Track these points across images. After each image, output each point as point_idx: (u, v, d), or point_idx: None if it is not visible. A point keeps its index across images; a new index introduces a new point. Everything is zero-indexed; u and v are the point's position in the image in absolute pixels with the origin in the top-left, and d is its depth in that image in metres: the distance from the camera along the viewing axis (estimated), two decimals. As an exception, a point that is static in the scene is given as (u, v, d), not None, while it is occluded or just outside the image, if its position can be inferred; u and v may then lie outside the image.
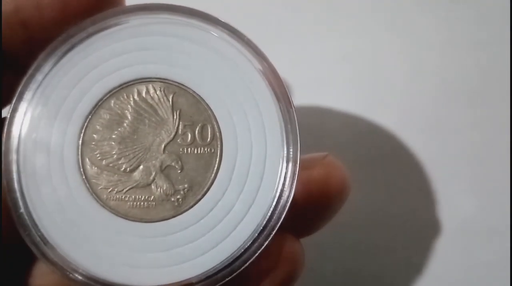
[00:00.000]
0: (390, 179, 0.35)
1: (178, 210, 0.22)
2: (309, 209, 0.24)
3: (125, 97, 0.23)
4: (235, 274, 0.22)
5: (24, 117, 0.22)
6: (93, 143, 0.23)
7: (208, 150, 0.23)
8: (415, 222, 0.34)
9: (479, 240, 0.34)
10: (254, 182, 0.22)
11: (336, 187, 0.24)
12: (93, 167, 0.23)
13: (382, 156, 0.35)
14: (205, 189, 0.22)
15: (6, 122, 0.22)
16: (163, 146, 0.23)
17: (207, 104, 0.23)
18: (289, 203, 0.22)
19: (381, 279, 0.34)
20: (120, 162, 0.23)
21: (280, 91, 0.23)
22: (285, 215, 0.22)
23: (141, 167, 0.23)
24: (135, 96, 0.23)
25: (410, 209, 0.35)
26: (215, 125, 0.23)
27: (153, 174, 0.23)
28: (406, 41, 0.36)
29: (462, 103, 0.35)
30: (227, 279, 0.22)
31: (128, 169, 0.23)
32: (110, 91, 0.23)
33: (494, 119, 0.35)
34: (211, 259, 0.22)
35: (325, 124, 0.35)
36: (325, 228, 0.26)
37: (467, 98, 0.35)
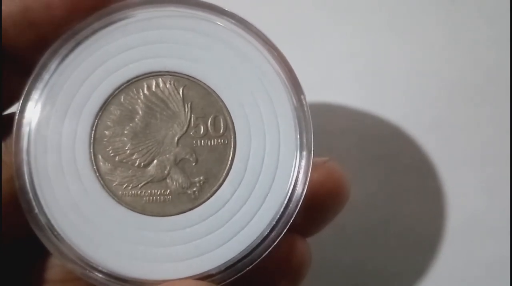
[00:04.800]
0: (394, 178, 0.35)
1: (195, 203, 0.22)
2: (309, 211, 0.24)
3: (135, 92, 0.23)
4: (255, 263, 0.22)
5: (32, 117, 0.22)
6: (105, 140, 0.22)
7: (222, 141, 0.23)
8: (417, 221, 0.35)
9: (482, 240, 0.34)
10: (269, 171, 0.22)
11: (334, 190, 0.25)
12: (107, 164, 0.22)
13: (386, 155, 0.35)
14: (220, 180, 0.22)
15: (15, 123, 0.22)
16: (176, 139, 0.23)
17: (218, 96, 0.23)
18: (305, 191, 0.22)
19: (382, 278, 0.34)
20: (133, 157, 0.23)
21: (291, 78, 0.23)
22: (302, 203, 0.22)
23: (155, 161, 0.23)
24: (145, 91, 0.23)
25: (414, 208, 0.35)
26: (227, 117, 0.23)
27: (168, 167, 0.23)
28: (410, 41, 0.36)
29: (466, 103, 0.35)
30: (247, 269, 0.22)
31: (142, 164, 0.23)
32: (119, 87, 0.23)
33: (498, 119, 0.35)
34: (230, 249, 0.22)
35: (330, 123, 0.35)
36: (329, 227, 0.27)
37: (471, 97, 0.35)
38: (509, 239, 0.34)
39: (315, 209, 0.25)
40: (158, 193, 0.22)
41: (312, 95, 0.33)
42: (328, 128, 0.35)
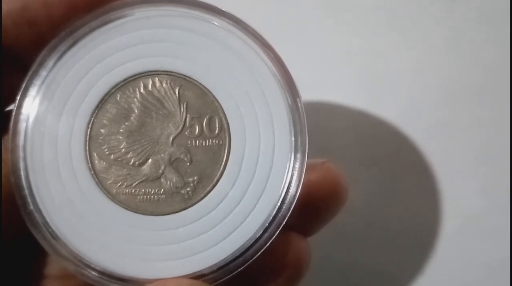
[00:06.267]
0: (393, 178, 0.35)
1: (189, 202, 0.22)
2: (308, 211, 0.24)
3: (131, 91, 0.23)
4: (247, 264, 0.22)
5: (29, 113, 0.22)
6: (101, 138, 0.23)
7: (217, 141, 0.23)
8: (417, 221, 0.35)
9: (482, 240, 0.34)
10: (263, 172, 0.22)
11: (333, 191, 0.25)
12: (102, 162, 0.23)
13: (386, 155, 0.35)
14: (214, 181, 0.22)
15: (12, 119, 0.22)
16: (171, 138, 0.23)
17: (214, 96, 0.23)
18: (298, 193, 0.22)
19: (382, 278, 0.34)
20: (128, 156, 0.23)
21: (287, 81, 0.23)
22: (295, 206, 0.22)
23: (150, 160, 0.23)
24: (141, 90, 0.23)
25: (413, 208, 0.35)
26: (223, 117, 0.23)
27: (162, 167, 0.23)
28: (409, 41, 0.36)
29: (466, 103, 0.35)
30: (239, 269, 0.22)
31: (137, 162, 0.23)
32: (116, 85, 0.23)
33: (498, 119, 0.35)
34: (223, 250, 0.22)
35: (329, 123, 0.35)
36: (327, 227, 0.27)
37: (471, 97, 0.35)
38: (509, 239, 0.34)
39: (314, 210, 0.25)
40: (152, 192, 0.22)
41: (311, 95, 0.34)
42: (327, 128, 0.35)
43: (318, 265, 0.28)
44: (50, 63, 0.22)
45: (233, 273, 0.22)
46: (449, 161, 0.35)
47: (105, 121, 0.23)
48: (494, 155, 0.35)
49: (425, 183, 0.35)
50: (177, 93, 0.23)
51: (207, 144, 0.23)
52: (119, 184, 0.22)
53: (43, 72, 0.22)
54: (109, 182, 0.22)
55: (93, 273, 0.22)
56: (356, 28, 0.36)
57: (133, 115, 0.23)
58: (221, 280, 0.22)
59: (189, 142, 0.23)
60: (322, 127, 0.35)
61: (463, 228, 0.34)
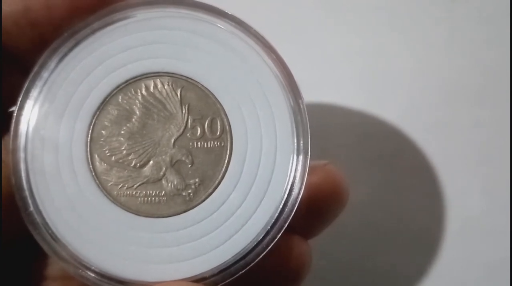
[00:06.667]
0: (393, 178, 0.35)
1: (190, 205, 0.22)
2: (309, 213, 0.24)
3: (133, 92, 0.23)
4: (249, 267, 0.22)
5: (31, 115, 0.22)
6: (102, 139, 0.23)
7: (218, 143, 0.22)
8: (417, 221, 0.35)
9: (482, 240, 0.34)
10: (265, 175, 0.22)
11: (334, 193, 0.25)
12: (103, 163, 0.22)
13: (386, 155, 0.35)
14: (216, 183, 0.22)
15: (13, 121, 0.22)
16: (172, 140, 0.23)
17: (215, 98, 0.23)
18: (300, 196, 0.22)
19: (382, 278, 0.34)
20: (129, 158, 0.23)
21: (289, 82, 0.23)
22: (297, 208, 0.22)
23: (151, 162, 0.23)
24: (143, 91, 0.23)
25: (413, 208, 0.35)
26: (224, 119, 0.23)
27: (164, 169, 0.23)
28: (410, 41, 0.36)
29: (466, 103, 0.35)
30: (240, 273, 0.22)
31: (138, 164, 0.23)
32: (118, 86, 0.23)
33: (498, 119, 0.35)
34: (224, 252, 0.22)
35: (329, 123, 0.35)
36: (328, 228, 0.27)
37: (471, 97, 0.35)
38: (509, 239, 0.34)
39: (315, 212, 0.25)
40: (153, 194, 0.22)
41: (311, 95, 0.34)
42: (327, 128, 0.35)
43: (318, 265, 0.28)
44: (51, 64, 0.22)
45: (235, 276, 0.22)
46: (449, 161, 0.35)
47: (106, 122, 0.23)
48: (494, 155, 0.35)
49: (425, 183, 0.35)
50: (179, 95, 0.23)
51: (209, 146, 0.23)
52: (120, 186, 0.22)
53: (45, 74, 0.22)
54: (110, 184, 0.22)
55: (93, 275, 0.22)
56: (357, 28, 0.36)
57: (135, 117, 0.23)
58: (222, 283, 0.22)
59: (190, 144, 0.23)
60: (322, 127, 0.35)
61: (463, 228, 0.34)
